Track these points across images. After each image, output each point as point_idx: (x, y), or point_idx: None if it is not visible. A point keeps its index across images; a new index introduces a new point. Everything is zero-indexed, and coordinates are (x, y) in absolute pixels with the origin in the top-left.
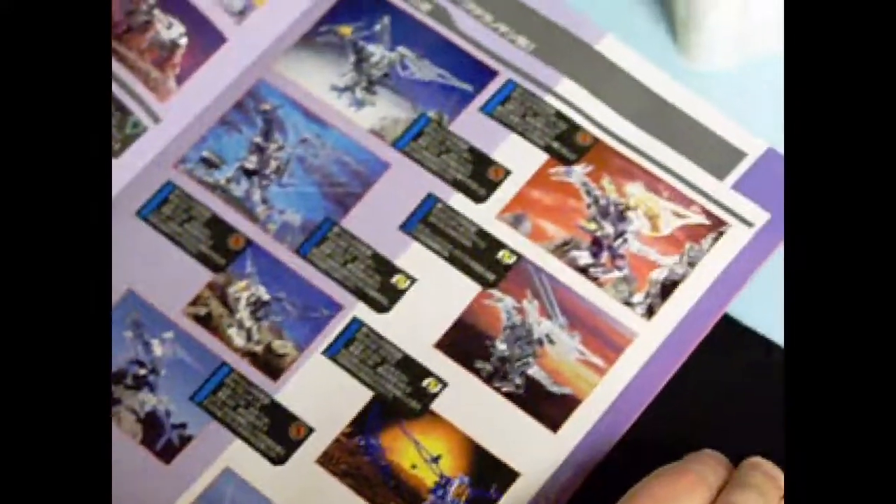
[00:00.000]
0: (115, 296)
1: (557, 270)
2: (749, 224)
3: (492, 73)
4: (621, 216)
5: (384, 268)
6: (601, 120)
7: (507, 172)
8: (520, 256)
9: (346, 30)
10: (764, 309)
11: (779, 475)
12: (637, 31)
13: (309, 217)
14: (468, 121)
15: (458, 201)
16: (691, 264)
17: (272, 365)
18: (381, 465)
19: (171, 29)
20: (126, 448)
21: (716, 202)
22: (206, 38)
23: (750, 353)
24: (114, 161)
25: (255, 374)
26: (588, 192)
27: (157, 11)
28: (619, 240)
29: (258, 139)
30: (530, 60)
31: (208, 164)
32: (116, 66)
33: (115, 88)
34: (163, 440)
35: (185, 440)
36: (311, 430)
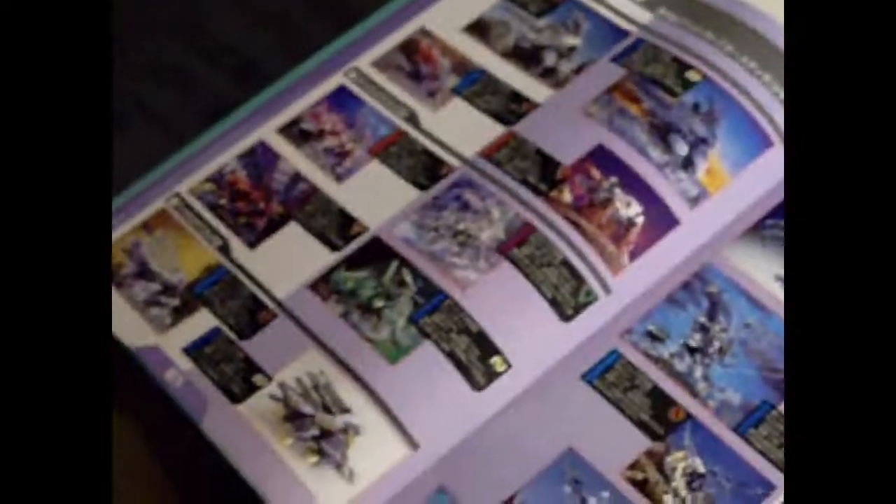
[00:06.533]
0: (555, 452)
1: None
2: None
3: None
4: None
5: None
6: None
7: None
8: None
9: None
10: None
11: None
12: None
13: (748, 398)
14: None
15: None
16: None
17: None
18: None
19: (629, 208)
20: None
21: None
22: (660, 219)
23: None
24: (565, 325)
25: None
26: None
27: (617, 190)
28: None
29: (703, 319)
30: None
31: (653, 337)
32: (577, 238)
33: (573, 257)
34: None
35: None
36: None
